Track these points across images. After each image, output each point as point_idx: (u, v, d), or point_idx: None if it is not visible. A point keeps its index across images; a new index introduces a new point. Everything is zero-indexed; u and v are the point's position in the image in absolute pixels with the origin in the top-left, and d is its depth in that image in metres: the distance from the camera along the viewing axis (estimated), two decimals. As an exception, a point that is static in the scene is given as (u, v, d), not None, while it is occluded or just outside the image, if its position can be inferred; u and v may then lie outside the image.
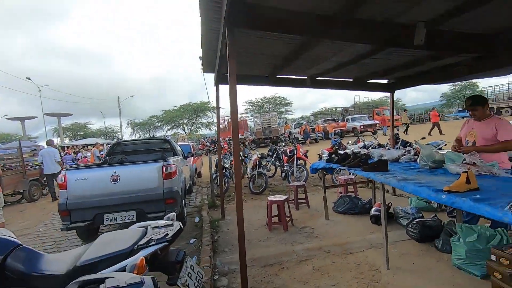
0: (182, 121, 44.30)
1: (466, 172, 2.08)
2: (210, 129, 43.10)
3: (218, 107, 5.44)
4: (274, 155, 9.19)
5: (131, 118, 45.85)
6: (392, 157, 3.76)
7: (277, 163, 9.00)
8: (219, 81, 4.88)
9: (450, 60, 4.20)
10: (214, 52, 3.81)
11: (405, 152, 3.86)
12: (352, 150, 4.61)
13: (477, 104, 3.07)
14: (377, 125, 23.59)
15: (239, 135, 25.65)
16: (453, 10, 2.43)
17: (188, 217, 5.44)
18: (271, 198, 4.62)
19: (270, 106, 45.49)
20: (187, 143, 11.81)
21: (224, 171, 6.98)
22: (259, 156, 8.03)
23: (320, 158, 6.51)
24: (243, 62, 4.14)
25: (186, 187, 5.73)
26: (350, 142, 9.84)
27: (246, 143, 23.23)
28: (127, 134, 43.69)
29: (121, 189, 3.98)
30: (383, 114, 25.67)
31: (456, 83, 38.93)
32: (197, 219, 5.16)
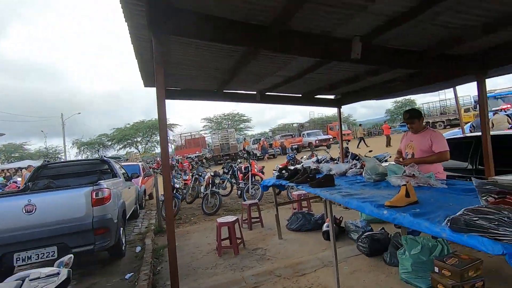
0: (136, 139, 41.86)
1: (405, 185, 2.05)
2: (167, 147, 41.21)
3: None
4: (230, 173, 8.89)
5: (78, 137, 42.18)
6: (340, 171, 3.75)
7: (233, 181, 8.71)
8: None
9: (388, 76, 4.43)
10: (150, 63, 3.50)
11: (352, 165, 3.88)
12: (302, 165, 4.55)
13: (414, 117, 3.19)
14: (331, 139, 24.69)
15: (197, 152, 25.01)
16: (383, 25, 2.49)
17: (129, 246, 4.83)
18: (220, 219, 4.30)
19: (229, 122, 45.32)
20: (136, 163, 10.96)
21: (174, 191, 6.47)
22: (212, 174, 7.68)
23: (275, 174, 6.38)
24: (185, 75, 3.88)
25: (127, 213, 5.13)
26: (304, 157, 10.00)
27: (204, 160, 22.63)
28: (73, 155, 39.84)
29: (38, 221, 3.34)
30: (338, 130, 27.04)
31: (398, 100, 43.04)
32: (138, 249, 4.58)
